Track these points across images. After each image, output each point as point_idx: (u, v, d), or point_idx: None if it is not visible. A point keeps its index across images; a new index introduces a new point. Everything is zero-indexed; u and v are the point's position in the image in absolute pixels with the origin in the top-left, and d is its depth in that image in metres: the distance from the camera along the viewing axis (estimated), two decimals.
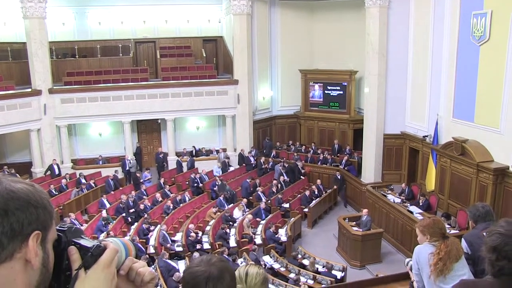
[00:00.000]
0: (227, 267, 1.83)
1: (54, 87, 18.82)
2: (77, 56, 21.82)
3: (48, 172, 18.38)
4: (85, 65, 21.46)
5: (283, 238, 14.15)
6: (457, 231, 11.75)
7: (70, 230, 1.16)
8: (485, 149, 12.67)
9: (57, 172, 18.37)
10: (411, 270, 3.77)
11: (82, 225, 14.42)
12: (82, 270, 1.11)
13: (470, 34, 13.01)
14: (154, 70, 22.39)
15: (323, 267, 12.08)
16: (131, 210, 15.46)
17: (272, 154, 20.60)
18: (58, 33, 21.68)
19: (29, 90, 18.31)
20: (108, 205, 16.05)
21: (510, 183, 11.94)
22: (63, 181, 17.58)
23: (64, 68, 20.67)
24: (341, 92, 20.93)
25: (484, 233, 2.23)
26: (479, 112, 12.93)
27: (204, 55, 23.01)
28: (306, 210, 16.25)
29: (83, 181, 17.86)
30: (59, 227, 1.16)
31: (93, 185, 17.71)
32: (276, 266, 12.39)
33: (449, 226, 12.14)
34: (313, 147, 20.90)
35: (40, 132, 18.49)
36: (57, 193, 16.76)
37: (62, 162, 19.20)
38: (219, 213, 15.75)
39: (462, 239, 4.02)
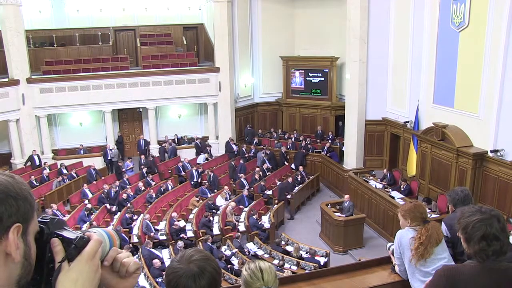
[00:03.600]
0: (209, 264, 1.77)
1: (32, 77, 18.49)
2: (55, 45, 21.47)
3: (29, 163, 18.10)
4: (64, 53, 21.13)
5: (267, 225, 14.23)
6: (438, 215, 11.93)
7: (53, 222, 1.14)
8: (464, 134, 12.85)
9: (37, 163, 18.10)
10: (393, 254, 3.82)
11: (64, 216, 14.28)
12: (66, 262, 1.10)
13: (450, 21, 13.11)
14: (135, 59, 22.16)
15: (306, 253, 12.18)
16: (111, 205, 15.31)
17: (254, 141, 20.62)
18: (35, 21, 21.29)
19: (6, 79, 17.95)
20: (90, 195, 15.93)
21: (488, 167, 12.15)
22: (44, 171, 17.36)
23: (42, 57, 20.33)
24: (323, 79, 20.98)
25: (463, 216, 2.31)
26: (459, 97, 13.09)
27: (185, 43, 22.83)
28: (289, 196, 16.33)
29: (65, 171, 17.67)
30: (41, 218, 1.14)
31: (74, 175, 17.56)
32: (260, 252, 12.48)
33: (430, 210, 12.33)
34: (295, 134, 20.97)
35: (19, 123, 18.19)
36: (38, 184, 16.56)
37: (43, 152, 18.95)
38: (201, 200, 15.76)
39: (442, 222, 4.08)
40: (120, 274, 1.24)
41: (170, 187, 16.76)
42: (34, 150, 18.18)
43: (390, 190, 14.61)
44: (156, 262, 11.29)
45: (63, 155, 19.80)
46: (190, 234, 13.72)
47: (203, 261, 1.77)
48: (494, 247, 2.17)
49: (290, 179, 16.92)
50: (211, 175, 17.14)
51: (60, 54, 21.05)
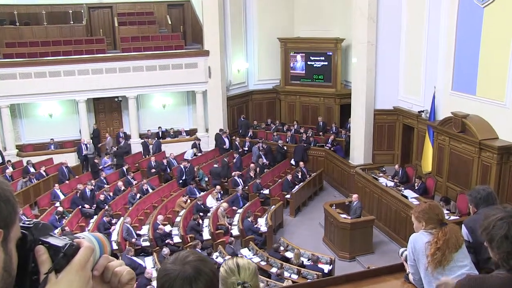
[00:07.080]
0: (206, 266, 1.80)
1: None
2: (17, 24, 21.21)
3: None
4: (29, 34, 20.90)
5: (263, 229, 14.25)
6: (457, 217, 11.95)
7: (37, 227, 1.12)
8: (488, 125, 12.82)
9: (0, 160, 18.04)
10: (406, 261, 3.85)
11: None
12: (53, 273, 1.08)
13: None
14: (112, 41, 22.07)
15: (308, 259, 12.20)
16: (86, 205, 15.36)
17: (249, 134, 20.64)
18: None
19: None
20: (62, 197, 15.89)
21: None
22: (7, 170, 17.25)
23: (2, 37, 20.08)
24: (326, 63, 20.97)
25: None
26: (482, 83, 13.03)
27: (170, 23, 22.74)
28: (288, 196, 16.37)
29: (32, 170, 17.57)
30: (23, 223, 1.11)
31: (43, 174, 17.46)
32: (256, 260, 12.43)
33: (448, 211, 12.35)
34: (295, 125, 20.99)
35: None
36: None
37: (5, 148, 18.84)
38: (188, 200, 15.80)
39: (462, 225, 4.07)
40: (111, 285, 1.22)
41: (149, 187, 16.67)
42: None
43: (403, 188, 14.64)
44: (148, 271, 11.26)
45: (30, 151, 19.71)
46: (176, 239, 13.72)
47: (199, 263, 1.79)
48: None
49: (289, 177, 16.98)
50: (186, 167, 17.29)
51: (24, 34, 20.82)
